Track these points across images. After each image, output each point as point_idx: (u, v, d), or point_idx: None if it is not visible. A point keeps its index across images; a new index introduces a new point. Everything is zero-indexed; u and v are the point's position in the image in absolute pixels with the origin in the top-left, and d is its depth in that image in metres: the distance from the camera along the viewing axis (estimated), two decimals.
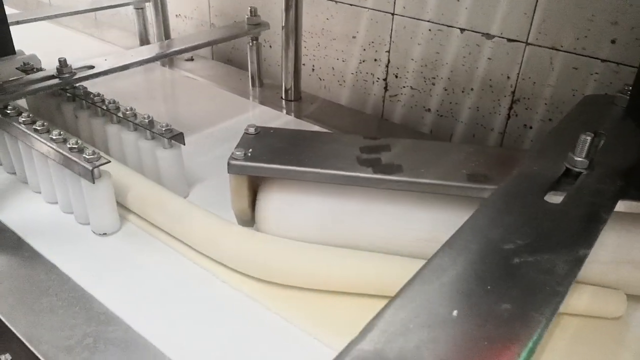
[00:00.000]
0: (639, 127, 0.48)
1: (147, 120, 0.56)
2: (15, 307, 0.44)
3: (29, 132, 0.52)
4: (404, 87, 0.81)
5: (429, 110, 0.80)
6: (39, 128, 0.52)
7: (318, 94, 0.91)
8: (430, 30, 0.75)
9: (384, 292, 0.43)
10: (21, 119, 0.54)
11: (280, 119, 0.80)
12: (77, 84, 0.63)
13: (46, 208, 0.56)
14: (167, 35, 1.02)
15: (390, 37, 0.79)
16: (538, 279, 0.31)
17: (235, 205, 0.47)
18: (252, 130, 0.49)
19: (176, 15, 1.08)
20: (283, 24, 0.79)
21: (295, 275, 0.43)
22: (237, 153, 0.45)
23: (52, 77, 0.62)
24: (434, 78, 0.78)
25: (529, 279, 0.31)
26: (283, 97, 0.86)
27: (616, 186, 0.40)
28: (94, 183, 0.48)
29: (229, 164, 0.44)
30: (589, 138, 0.41)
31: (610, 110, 0.52)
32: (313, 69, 0.91)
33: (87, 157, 0.48)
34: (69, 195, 0.53)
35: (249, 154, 0.45)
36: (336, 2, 0.83)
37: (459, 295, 0.30)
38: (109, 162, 0.49)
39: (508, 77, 0.70)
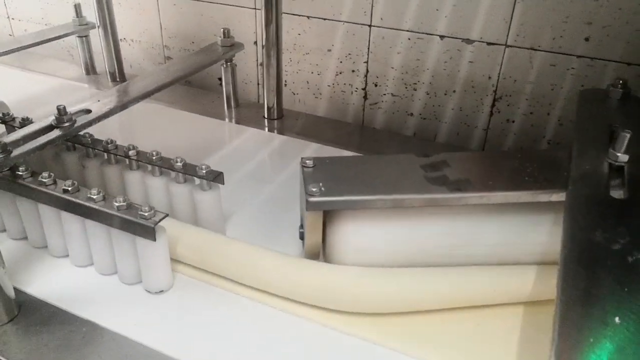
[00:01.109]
0: None
1: (180, 164, 0.53)
2: None
3: (56, 194, 0.48)
4: (384, 94, 0.84)
5: (412, 114, 0.83)
6: (69, 188, 0.48)
7: (293, 108, 0.91)
8: (409, 39, 0.78)
9: (478, 302, 0.45)
10: (43, 180, 0.49)
11: (275, 140, 0.79)
12: (82, 132, 0.58)
13: (78, 273, 0.51)
14: (118, 62, 0.96)
15: (368, 48, 0.82)
16: None
17: (311, 240, 0.47)
18: (309, 163, 0.48)
19: (120, 40, 1.02)
20: (263, 42, 0.78)
21: (398, 302, 0.44)
22: (313, 190, 0.44)
23: (50, 127, 0.56)
24: (415, 84, 0.81)
25: None
26: (266, 116, 0.85)
27: None
28: (155, 241, 0.45)
29: (307, 201, 0.44)
30: (627, 135, 0.47)
31: (609, 104, 0.58)
32: (285, 84, 0.91)
33: (145, 214, 0.45)
34: (110, 256, 0.49)
35: (323, 189, 0.45)
36: (309, 17, 0.83)
37: (607, 303, 0.33)
38: (167, 215, 0.46)
39: (489, 78, 0.75)
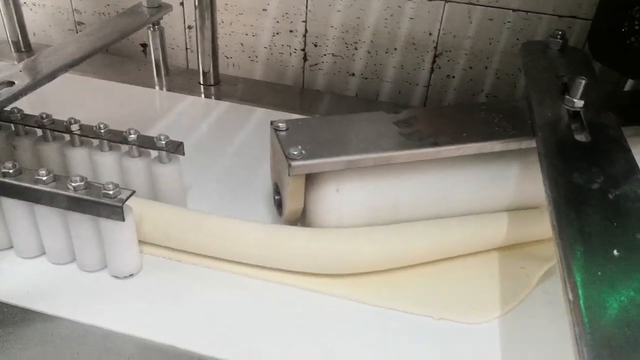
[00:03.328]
0: (587, 66, 0.58)
1: (134, 136, 0.48)
2: None
3: None
4: (324, 55, 0.82)
5: (353, 74, 0.83)
6: (10, 171, 0.42)
7: (227, 73, 0.87)
8: None
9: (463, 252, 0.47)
10: None
11: (217, 107, 0.75)
12: (7, 107, 0.50)
13: (28, 265, 0.46)
14: (22, 29, 0.85)
15: (306, 7, 0.79)
16: (636, 205, 0.37)
17: (292, 206, 0.45)
18: (282, 126, 0.46)
19: (21, 4, 0.90)
20: (196, 3, 0.73)
21: (384, 259, 0.44)
22: (294, 153, 0.42)
23: None
24: (356, 43, 0.80)
25: (630, 207, 0.37)
26: (201, 82, 0.80)
27: (612, 118, 0.49)
28: (124, 221, 0.41)
29: (290, 165, 0.42)
30: (583, 81, 0.49)
31: (551, 54, 0.61)
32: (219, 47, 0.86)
33: (110, 192, 0.40)
34: (65, 242, 0.44)
35: (303, 152, 0.43)
36: None
37: (603, 238, 0.34)
38: (134, 192, 0.42)
39: (430, 34, 0.76)
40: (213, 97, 0.79)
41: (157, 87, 0.81)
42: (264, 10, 0.81)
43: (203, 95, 0.79)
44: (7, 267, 0.45)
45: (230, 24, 0.84)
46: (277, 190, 0.48)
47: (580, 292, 0.30)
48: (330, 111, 0.77)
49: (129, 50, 0.91)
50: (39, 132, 0.51)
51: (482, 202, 0.49)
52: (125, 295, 0.43)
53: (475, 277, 0.46)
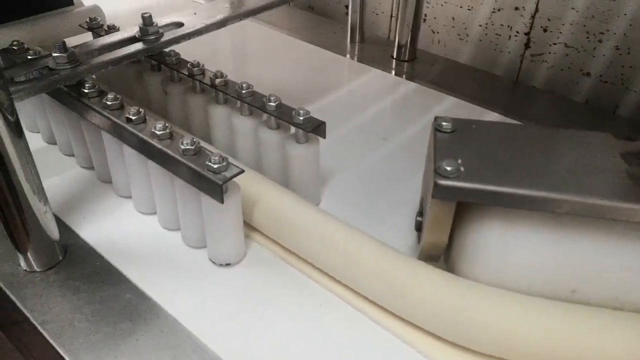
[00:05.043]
0: None
1: (274, 104, 0.41)
2: None
3: (118, 121, 0.38)
4: (554, 44, 0.64)
5: (588, 74, 0.63)
6: (133, 117, 0.38)
7: (429, 50, 0.74)
8: None
9: None
10: (107, 102, 0.39)
11: (401, 87, 0.64)
12: (167, 48, 0.47)
13: (140, 220, 0.42)
14: None
15: None
16: None
17: (432, 237, 0.33)
18: (447, 126, 0.33)
19: None
20: None
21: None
22: (447, 168, 0.30)
23: (133, 39, 0.46)
24: (602, 33, 0.60)
25: None
26: (394, 56, 0.70)
27: None
28: (222, 203, 0.34)
29: (437, 185, 0.29)
30: None
31: None
32: (425, 19, 0.74)
33: (214, 165, 0.33)
34: (173, 209, 0.39)
35: (463, 169, 0.30)
36: None
37: None
38: (242, 171, 0.34)
39: None
40: (404, 75, 0.68)
41: (347, 55, 0.73)
42: None
43: (393, 72, 0.69)
44: (122, 216, 0.43)
45: None
46: (421, 211, 0.36)
47: None
48: (544, 117, 0.60)
49: (334, 12, 0.85)
50: (191, 81, 0.47)
51: None
52: (213, 287, 0.37)
53: None
